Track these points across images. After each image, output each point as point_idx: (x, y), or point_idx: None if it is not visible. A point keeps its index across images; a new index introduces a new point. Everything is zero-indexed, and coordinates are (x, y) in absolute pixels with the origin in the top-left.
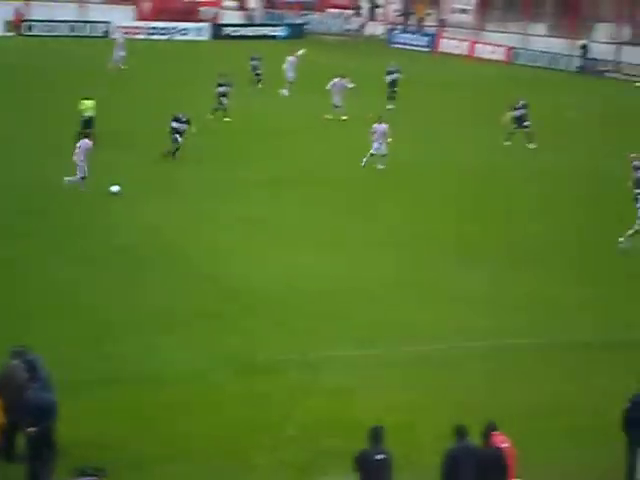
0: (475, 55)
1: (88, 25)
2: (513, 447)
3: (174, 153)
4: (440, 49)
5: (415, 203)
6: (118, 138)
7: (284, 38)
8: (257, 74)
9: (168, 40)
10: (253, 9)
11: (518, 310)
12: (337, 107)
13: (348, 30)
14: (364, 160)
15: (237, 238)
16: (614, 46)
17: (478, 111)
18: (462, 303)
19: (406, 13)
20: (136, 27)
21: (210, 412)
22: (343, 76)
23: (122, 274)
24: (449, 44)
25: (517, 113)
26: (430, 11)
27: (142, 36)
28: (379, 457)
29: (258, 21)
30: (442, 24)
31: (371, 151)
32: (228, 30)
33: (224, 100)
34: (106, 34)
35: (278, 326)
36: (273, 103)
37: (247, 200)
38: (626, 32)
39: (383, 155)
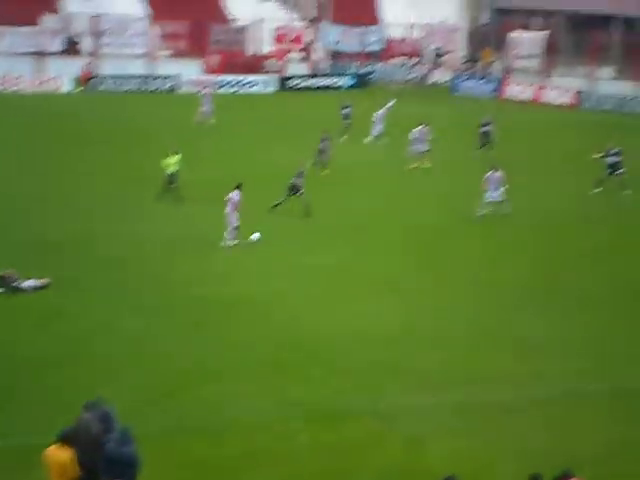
0: (542, 101)
1: (158, 80)
2: None
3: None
4: (505, 95)
5: (498, 249)
6: (206, 190)
7: (349, 88)
8: (348, 123)
9: (234, 93)
10: (318, 60)
11: (584, 355)
12: (424, 152)
13: (411, 78)
14: (480, 210)
15: (310, 286)
16: None
17: (551, 157)
18: (528, 348)
19: (472, 60)
20: (205, 80)
21: (278, 463)
22: (426, 124)
23: (192, 324)
24: (514, 90)
25: (609, 160)
26: (495, 58)
27: (211, 89)
28: None
29: (323, 72)
30: (508, 70)
31: (486, 200)
32: (294, 82)
33: (323, 156)
34: (173, 88)
35: (345, 374)
36: (364, 152)
37: (321, 247)
38: None
39: (500, 202)
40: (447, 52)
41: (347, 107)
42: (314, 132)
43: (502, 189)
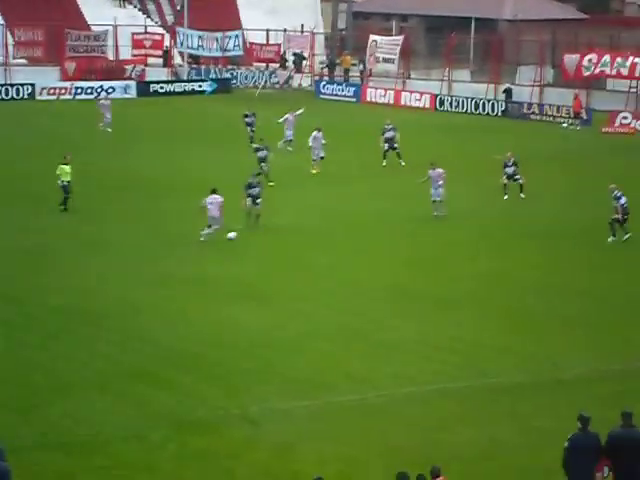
0: (401, 103)
1: (14, 88)
2: None
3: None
4: (367, 99)
5: (363, 251)
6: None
7: (211, 93)
8: (252, 131)
9: (94, 100)
10: (178, 65)
11: (452, 353)
12: (321, 158)
13: (275, 83)
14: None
15: (168, 297)
16: (537, 88)
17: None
18: (395, 349)
19: (331, 64)
20: (62, 88)
21: (147, 473)
22: (319, 129)
23: (53, 334)
24: (375, 94)
25: (508, 170)
26: (355, 62)
27: (68, 96)
28: None
29: (184, 77)
30: (367, 74)
31: (432, 198)
32: (155, 87)
33: (264, 165)
34: (31, 96)
35: (213, 381)
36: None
37: (191, 258)
38: (548, 74)
39: (441, 201)
40: (307, 57)
41: (249, 116)
42: (177, 136)
43: (442, 189)
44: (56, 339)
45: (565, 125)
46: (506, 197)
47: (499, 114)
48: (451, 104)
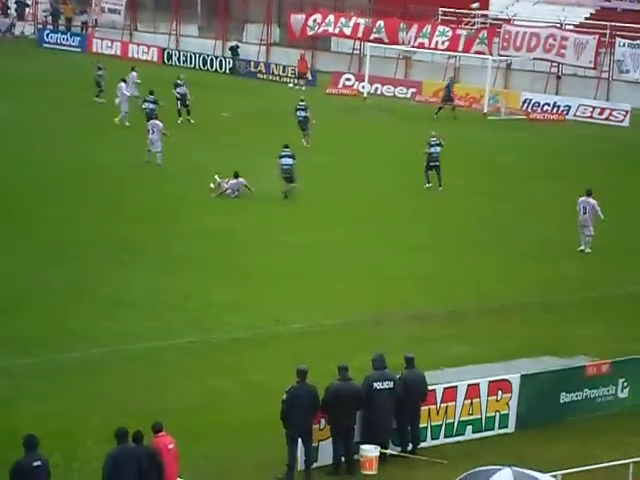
0: (129, 56)
1: None
2: (177, 447)
3: None
4: (93, 50)
5: (78, 203)
6: None
7: None
8: (99, 85)
9: None
10: None
11: (177, 311)
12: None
13: None
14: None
15: None
16: (264, 47)
17: None
18: (120, 306)
19: (54, 13)
20: None
21: None
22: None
23: None
24: (102, 45)
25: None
26: (78, 12)
27: None
28: (36, 464)
29: None
30: (92, 24)
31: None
32: None
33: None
34: None
35: None
36: None
37: None
38: (275, 33)
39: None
40: (30, 5)
41: (101, 69)
42: None
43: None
44: None
45: (291, 85)
46: None
47: (227, 71)
48: (179, 59)
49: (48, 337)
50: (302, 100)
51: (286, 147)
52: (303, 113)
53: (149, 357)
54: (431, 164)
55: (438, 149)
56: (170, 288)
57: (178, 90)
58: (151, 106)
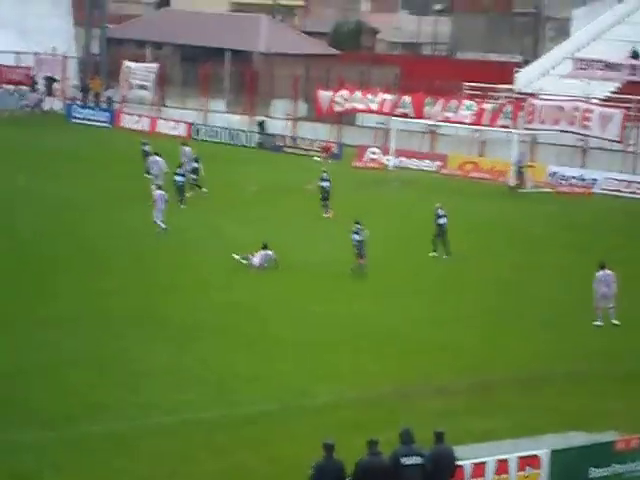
0: (157, 130)
1: None
2: None
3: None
4: (121, 124)
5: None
6: None
7: None
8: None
9: None
10: None
11: (202, 383)
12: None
13: (25, 105)
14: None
15: None
16: (290, 122)
17: None
18: (144, 378)
19: (84, 89)
20: None
21: None
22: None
23: None
24: (129, 119)
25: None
26: (105, 87)
27: None
28: None
29: None
30: (122, 99)
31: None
32: None
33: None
34: None
35: None
36: None
37: None
38: (302, 108)
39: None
40: (59, 80)
41: (146, 144)
42: None
43: None
44: None
45: (317, 159)
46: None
47: (254, 145)
48: (207, 133)
49: (73, 411)
50: (325, 171)
51: (357, 223)
52: (327, 184)
53: (174, 431)
54: (439, 234)
55: (445, 220)
56: (195, 359)
57: (194, 165)
58: (181, 179)
